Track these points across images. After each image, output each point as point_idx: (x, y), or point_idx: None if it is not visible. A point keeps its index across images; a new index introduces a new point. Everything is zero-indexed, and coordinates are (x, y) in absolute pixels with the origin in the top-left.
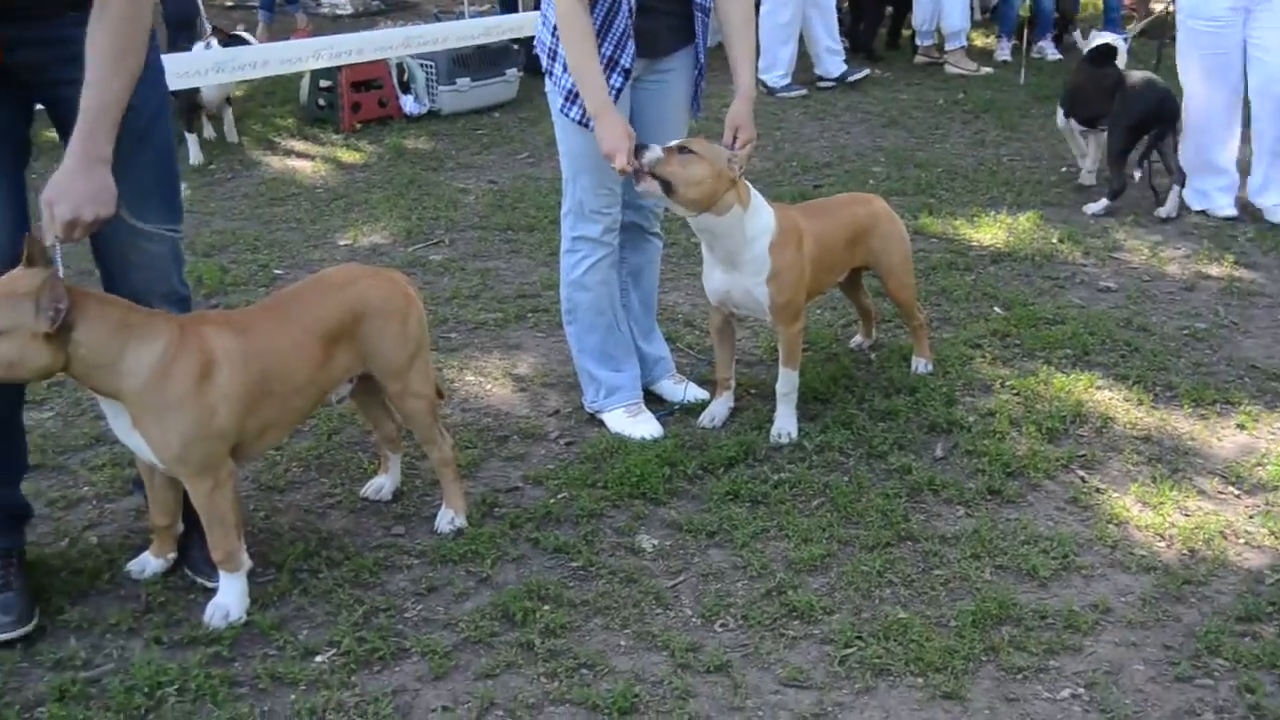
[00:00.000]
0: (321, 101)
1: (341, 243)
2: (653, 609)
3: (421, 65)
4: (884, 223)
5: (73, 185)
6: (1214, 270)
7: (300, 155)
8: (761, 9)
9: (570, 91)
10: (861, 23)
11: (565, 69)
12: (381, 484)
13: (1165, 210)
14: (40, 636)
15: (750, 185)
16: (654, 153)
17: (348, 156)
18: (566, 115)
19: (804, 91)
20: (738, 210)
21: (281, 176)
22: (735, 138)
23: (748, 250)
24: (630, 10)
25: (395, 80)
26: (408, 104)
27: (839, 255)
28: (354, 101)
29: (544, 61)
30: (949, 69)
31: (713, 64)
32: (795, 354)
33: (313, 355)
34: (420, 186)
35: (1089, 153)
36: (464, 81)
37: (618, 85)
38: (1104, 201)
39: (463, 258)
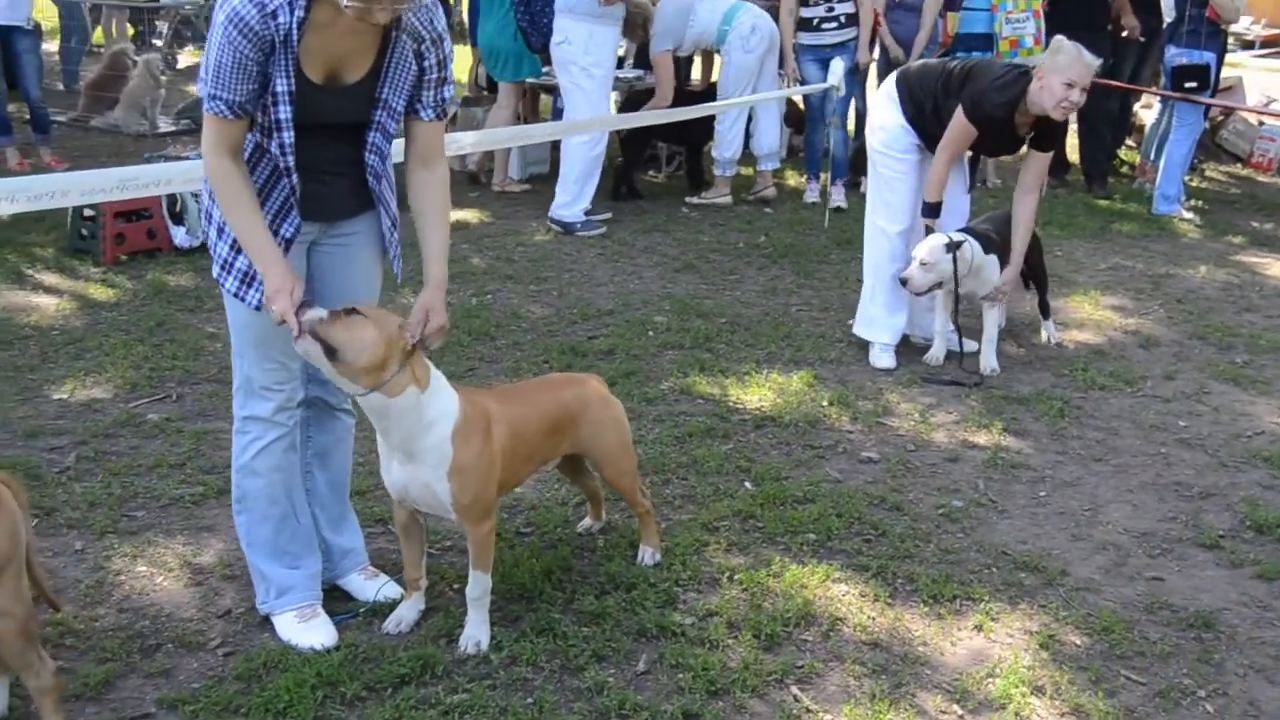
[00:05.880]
0: (84, 231)
1: (55, 396)
2: None
3: (194, 194)
4: (595, 407)
5: None
6: (981, 439)
7: (49, 290)
8: (573, 140)
9: (225, 260)
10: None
11: (220, 234)
12: None
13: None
14: None
15: (431, 365)
16: (316, 312)
17: (100, 294)
18: (223, 286)
19: (603, 230)
20: (413, 391)
21: (19, 314)
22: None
23: (425, 438)
24: (292, 183)
25: (166, 209)
26: (179, 236)
27: (538, 445)
28: (118, 232)
29: (203, 223)
30: (763, 193)
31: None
32: (487, 555)
33: None
34: (167, 330)
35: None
36: None
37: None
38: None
39: (185, 416)
